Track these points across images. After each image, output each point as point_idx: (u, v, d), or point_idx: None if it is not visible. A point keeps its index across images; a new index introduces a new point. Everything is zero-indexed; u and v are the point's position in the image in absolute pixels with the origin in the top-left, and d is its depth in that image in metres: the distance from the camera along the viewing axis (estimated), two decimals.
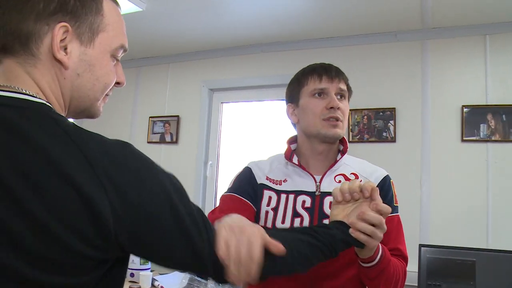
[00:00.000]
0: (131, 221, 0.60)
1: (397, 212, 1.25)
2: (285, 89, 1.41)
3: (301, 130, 1.33)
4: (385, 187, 1.24)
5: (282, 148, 1.38)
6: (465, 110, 2.50)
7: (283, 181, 1.29)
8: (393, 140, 2.65)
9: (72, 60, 0.69)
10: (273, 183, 1.29)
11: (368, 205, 0.97)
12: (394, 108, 2.67)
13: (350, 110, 2.68)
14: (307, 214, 1.23)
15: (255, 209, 1.28)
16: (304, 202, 1.24)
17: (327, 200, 1.23)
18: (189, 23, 2.75)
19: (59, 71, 0.69)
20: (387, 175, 1.28)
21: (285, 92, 1.39)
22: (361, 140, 2.72)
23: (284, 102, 1.40)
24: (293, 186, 1.27)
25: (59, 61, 0.68)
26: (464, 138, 2.49)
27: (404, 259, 1.21)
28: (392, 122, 2.67)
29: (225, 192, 1.33)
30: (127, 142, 0.66)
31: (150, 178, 0.64)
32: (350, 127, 2.74)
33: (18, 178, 0.57)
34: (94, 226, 0.58)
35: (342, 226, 0.95)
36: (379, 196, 0.97)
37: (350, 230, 0.95)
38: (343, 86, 1.28)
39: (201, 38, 3.01)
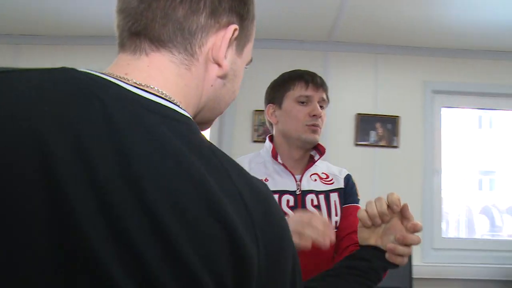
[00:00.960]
0: (262, 285, 0.51)
1: (359, 204, 1.38)
2: None
3: (280, 132, 1.37)
4: (350, 183, 1.38)
5: None
6: (358, 117, 2.82)
7: (264, 180, 1.29)
8: None
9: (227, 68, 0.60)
10: None
11: (399, 222, 0.92)
12: None
13: (255, 111, 2.83)
14: (292, 213, 1.25)
15: None
16: (288, 201, 1.29)
17: (308, 198, 1.30)
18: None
19: (210, 77, 0.58)
20: (349, 173, 1.41)
21: (266, 92, 1.42)
22: (265, 140, 2.80)
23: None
24: (274, 185, 1.29)
25: (219, 66, 0.58)
26: (357, 143, 2.80)
27: None
28: None
29: None
30: (266, 185, 0.56)
31: (287, 248, 0.55)
32: (255, 127, 2.81)
33: (169, 208, 0.45)
34: (239, 280, 0.48)
35: (378, 252, 0.91)
36: (410, 213, 0.91)
37: (387, 256, 0.90)
38: (325, 96, 1.36)
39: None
